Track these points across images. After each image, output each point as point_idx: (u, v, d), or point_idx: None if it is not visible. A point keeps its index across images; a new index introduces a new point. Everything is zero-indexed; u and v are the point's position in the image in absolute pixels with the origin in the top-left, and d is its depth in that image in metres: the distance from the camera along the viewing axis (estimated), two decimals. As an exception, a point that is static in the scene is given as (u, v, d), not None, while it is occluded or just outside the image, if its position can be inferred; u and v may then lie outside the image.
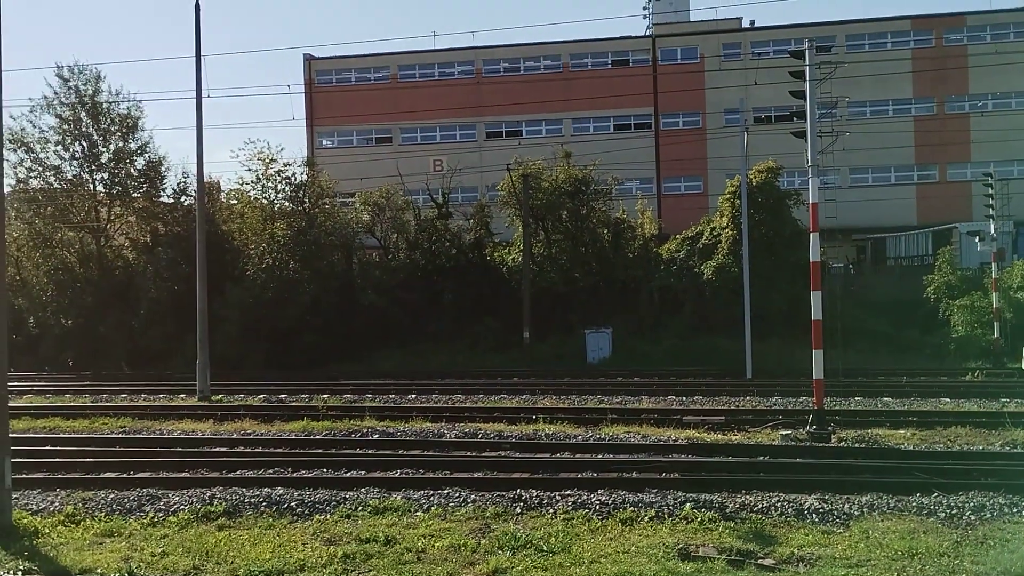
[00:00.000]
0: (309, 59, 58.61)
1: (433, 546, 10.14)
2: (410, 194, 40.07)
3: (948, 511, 10.97)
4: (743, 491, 12.05)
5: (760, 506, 11.33)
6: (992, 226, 31.54)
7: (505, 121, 55.77)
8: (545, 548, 9.92)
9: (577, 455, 14.69)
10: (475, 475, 13.24)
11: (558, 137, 51.53)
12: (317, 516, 11.51)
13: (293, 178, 37.65)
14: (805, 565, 9.38)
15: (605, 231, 37.97)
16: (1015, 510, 10.92)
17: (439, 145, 54.78)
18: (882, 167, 51.84)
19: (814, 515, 10.99)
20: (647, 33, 59.68)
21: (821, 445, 15.06)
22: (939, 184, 52.06)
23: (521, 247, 35.72)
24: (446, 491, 12.33)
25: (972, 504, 11.14)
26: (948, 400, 20.58)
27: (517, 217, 37.17)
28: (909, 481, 12.20)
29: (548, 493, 12.05)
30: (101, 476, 13.82)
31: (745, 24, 56.61)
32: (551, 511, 11.40)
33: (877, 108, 52.09)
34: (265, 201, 37.68)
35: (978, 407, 19.30)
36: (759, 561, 9.47)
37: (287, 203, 37.57)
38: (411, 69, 58.17)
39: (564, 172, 38.11)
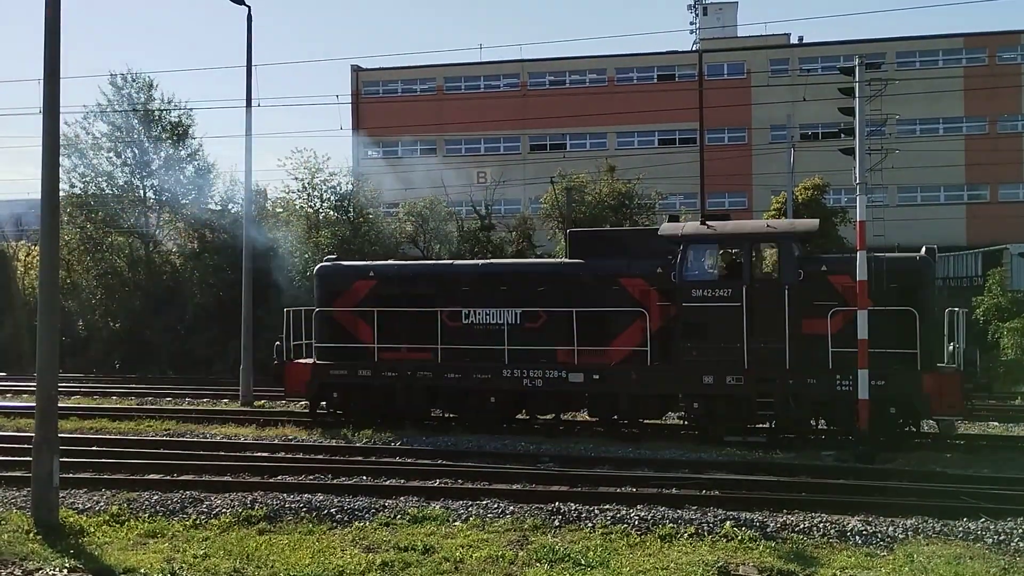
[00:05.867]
0: (356, 70, 59.24)
1: (471, 556, 10.14)
2: (453, 205, 40.29)
3: (996, 537, 10.73)
4: (784, 510, 11.89)
5: (802, 526, 11.18)
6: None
7: (550, 134, 55.88)
8: (583, 562, 9.88)
9: (616, 470, 14.61)
10: (514, 487, 13.23)
11: (602, 151, 51.51)
12: (356, 523, 11.58)
13: (338, 187, 38.08)
14: (847, 587, 9.25)
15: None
16: (1066, 538, 10.64)
17: (483, 157, 55.01)
18: (931, 186, 51.12)
19: (857, 537, 10.82)
20: (693, 48, 59.54)
21: (865, 466, 14.83)
22: (990, 204, 51.21)
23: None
24: (484, 502, 12.33)
25: (1021, 530, 10.87)
26: (997, 424, 20.14)
27: (560, 230, 37.17)
28: (955, 505, 11.95)
29: (586, 507, 11.99)
30: (146, 477, 14.04)
31: (793, 40, 56.22)
32: (589, 525, 11.35)
33: (927, 126, 51.38)
34: (310, 210, 38.09)
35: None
36: (800, 582, 9.35)
37: (332, 212, 37.93)
38: (457, 81, 58.55)
39: (608, 186, 38.09)
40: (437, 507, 12.09)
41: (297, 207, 38.30)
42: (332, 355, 19.58)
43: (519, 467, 14.72)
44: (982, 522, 11.24)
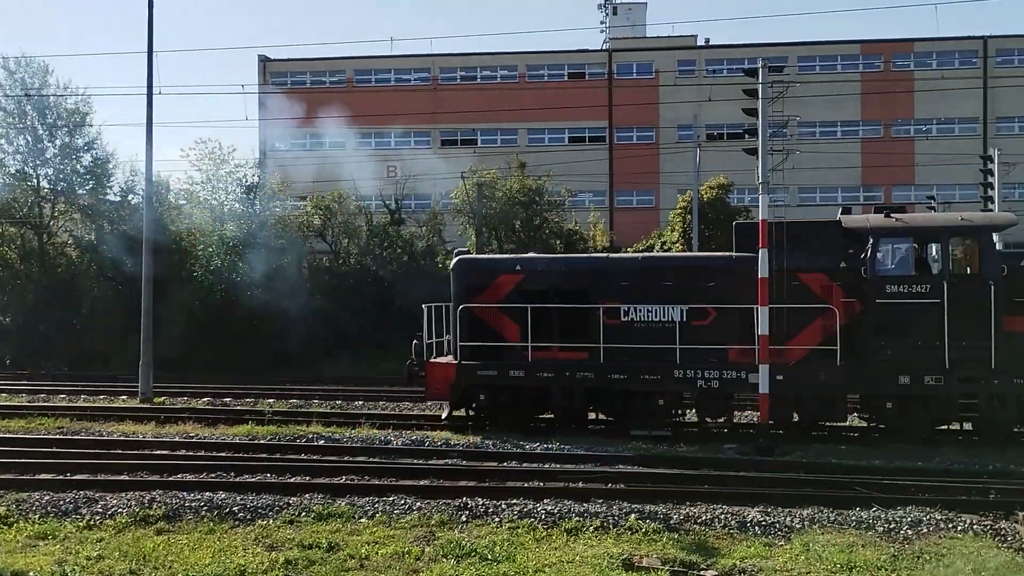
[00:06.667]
0: (264, 60, 58.08)
1: (377, 553, 10.06)
2: (362, 199, 39.83)
3: (886, 525, 11.15)
4: (688, 503, 12.14)
5: (704, 518, 11.41)
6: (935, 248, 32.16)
7: (460, 129, 55.73)
8: (489, 557, 9.90)
9: (524, 464, 14.68)
10: (421, 482, 13.18)
11: (513, 147, 51.61)
12: (260, 521, 11.36)
13: (244, 179, 37.32)
14: (747, 577, 9.48)
15: (558, 242, 38.18)
16: (951, 525, 11.13)
17: (393, 151, 54.46)
18: (830, 187, 52.74)
19: (757, 528, 11.11)
20: (603, 47, 60.20)
21: (765, 459, 15.22)
22: (884, 206, 53.10)
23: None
24: (391, 498, 12.24)
25: (910, 519, 11.33)
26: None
27: (470, 225, 37.21)
28: (849, 496, 12.38)
29: (494, 502, 12.02)
30: (36, 477, 13.49)
31: (700, 42, 57.33)
32: (496, 520, 11.37)
33: (826, 129, 53.04)
34: (215, 202, 37.24)
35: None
36: (702, 573, 9.55)
37: (237, 205, 37.16)
38: (367, 74, 57.93)
39: (518, 182, 38.28)
40: (343, 504, 11.94)
41: (201, 199, 37.40)
42: (476, 354, 18.27)
43: (427, 463, 14.68)
44: (874, 511, 11.66)
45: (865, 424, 17.90)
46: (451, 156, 49.67)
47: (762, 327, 16.55)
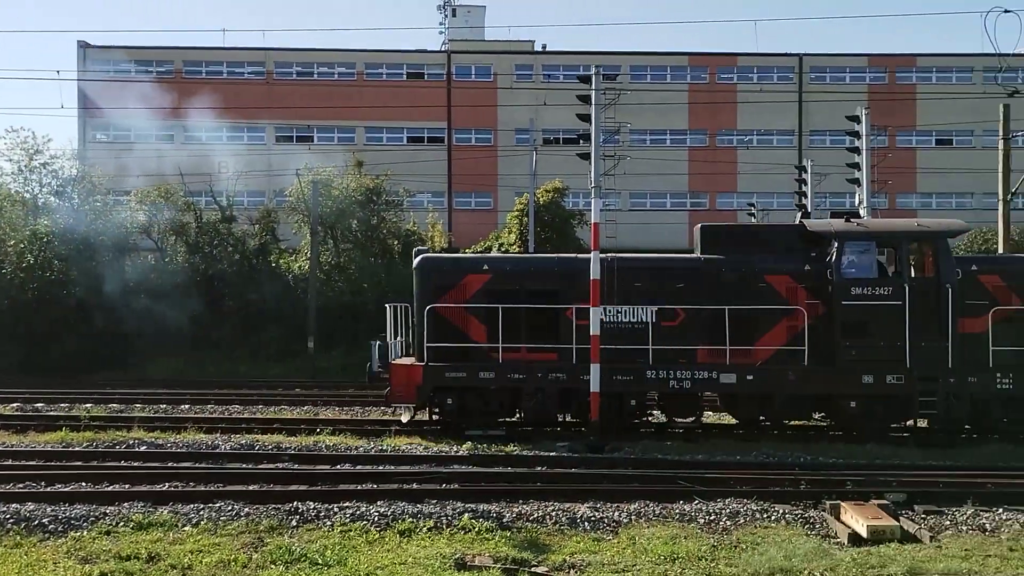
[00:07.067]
0: (84, 46, 54.98)
1: (201, 562, 9.69)
2: (191, 195, 38.28)
3: (707, 517, 11.66)
4: (520, 500, 12.29)
5: (536, 515, 11.59)
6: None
7: (296, 126, 54.55)
8: (320, 561, 9.72)
9: (358, 467, 14.51)
10: (250, 487, 12.79)
11: (350, 145, 50.96)
12: (73, 533, 10.70)
13: (60, 171, 35.26)
14: (576, 572, 9.69)
15: (395, 242, 37.95)
16: (766, 515, 11.75)
17: (225, 146, 52.65)
18: (659, 193, 54.83)
19: (586, 523, 11.37)
20: (442, 48, 60.35)
21: (595, 456, 15.63)
22: (709, 211, 55.62)
23: (308, 255, 35.01)
24: (218, 504, 11.80)
25: (728, 510, 11.89)
26: (711, 413, 21.86)
27: (305, 224, 36.43)
28: (673, 490, 12.87)
29: (326, 505, 11.79)
30: None
31: (537, 47, 58.37)
32: (328, 523, 11.16)
33: (656, 137, 55.07)
34: (28, 195, 35.00)
35: (735, 421, 20.63)
36: (533, 569, 9.69)
37: (53, 198, 35.06)
38: (198, 65, 55.85)
39: (355, 181, 37.82)
40: (165, 512, 11.42)
41: (11, 192, 35.04)
42: (444, 356, 17.75)
43: (256, 467, 14.27)
44: (696, 504, 12.17)
45: (825, 424, 18.67)
46: (286, 152, 48.57)
47: (594, 327, 16.99)
